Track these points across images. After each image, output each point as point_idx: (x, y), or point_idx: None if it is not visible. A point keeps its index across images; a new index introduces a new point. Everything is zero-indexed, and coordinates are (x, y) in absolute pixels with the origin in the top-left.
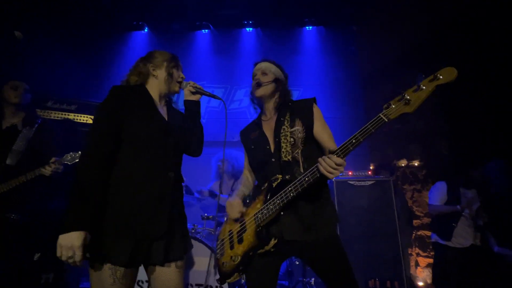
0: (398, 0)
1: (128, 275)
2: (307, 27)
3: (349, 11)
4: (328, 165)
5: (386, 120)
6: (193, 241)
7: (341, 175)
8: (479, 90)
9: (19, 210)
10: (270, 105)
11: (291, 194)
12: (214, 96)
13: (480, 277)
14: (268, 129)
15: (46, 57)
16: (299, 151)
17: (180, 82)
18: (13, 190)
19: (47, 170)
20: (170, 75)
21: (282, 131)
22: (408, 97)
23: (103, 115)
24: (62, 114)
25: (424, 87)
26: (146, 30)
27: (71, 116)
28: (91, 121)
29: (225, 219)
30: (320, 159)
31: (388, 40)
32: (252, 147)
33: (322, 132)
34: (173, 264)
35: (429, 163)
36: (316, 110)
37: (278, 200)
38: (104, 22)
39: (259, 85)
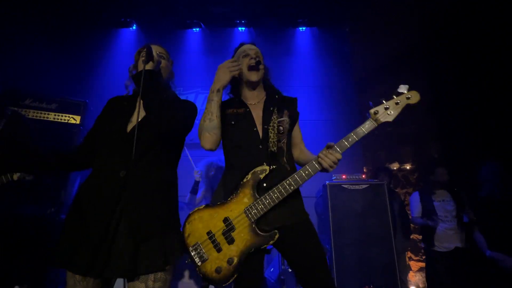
0: (391, 1)
1: (90, 281)
2: (300, 28)
3: (342, 12)
4: (332, 161)
5: (376, 125)
6: None
7: (334, 179)
8: (470, 92)
9: None
10: (255, 92)
11: (291, 187)
12: (147, 53)
13: (469, 279)
14: (255, 113)
15: (27, 51)
16: (285, 141)
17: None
18: None
19: (15, 176)
20: (136, 68)
21: (271, 121)
22: (390, 109)
23: None
24: (41, 114)
25: (399, 102)
26: (134, 28)
27: (51, 115)
28: (73, 121)
29: (188, 218)
30: (322, 154)
31: (382, 41)
32: (233, 122)
33: (298, 131)
34: (143, 282)
35: (420, 166)
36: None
37: (277, 193)
38: (91, 18)
39: (258, 64)
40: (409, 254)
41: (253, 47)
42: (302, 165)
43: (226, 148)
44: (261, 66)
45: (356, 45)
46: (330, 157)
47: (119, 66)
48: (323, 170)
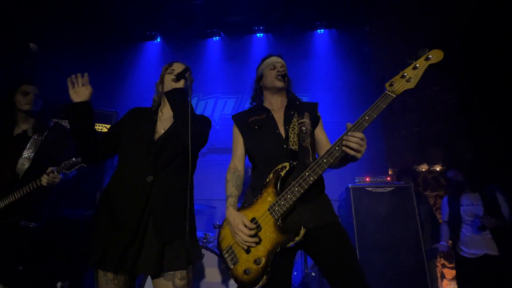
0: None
1: (120, 279)
2: (318, 31)
3: (361, 12)
4: (353, 142)
5: (394, 96)
6: (204, 251)
7: (357, 181)
8: (502, 89)
9: (35, 218)
10: (278, 98)
11: (311, 178)
12: (184, 71)
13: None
14: (276, 116)
15: (61, 67)
16: (309, 141)
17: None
18: (28, 198)
19: (44, 180)
20: (162, 82)
21: (291, 122)
22: (408, 75)
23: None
24: None
25: (418, 66)
26: (158, 40)
27: None
28: (105, 130)
29: (222, 223)
30: (344, 137)
31: (404, 39)
32: (256, 127)
33: (322, 133)
34: (169, 280)
35: (452, 167)
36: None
37: (297, 187)
38: (118, 33)
39: (284, 76)
40: (442, 261)
41: (280, 60)
42: (332, 165)
43: (251, 152)
44: (286, 79)
45: (377, 45)
46: (351, 138)
47: (146, 77)
48: (346, 158)
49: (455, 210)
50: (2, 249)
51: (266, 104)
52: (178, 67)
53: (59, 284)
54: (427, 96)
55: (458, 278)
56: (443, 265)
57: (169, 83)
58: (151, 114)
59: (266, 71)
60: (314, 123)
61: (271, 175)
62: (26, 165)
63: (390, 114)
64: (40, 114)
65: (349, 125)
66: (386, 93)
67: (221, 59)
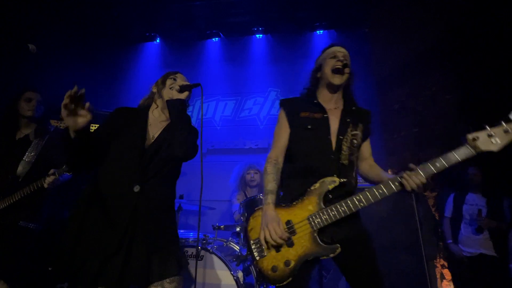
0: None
1: None
2: (317, 32)
3: (360, 13)
4: (416, 183)
5: (474, 153)
6: (203, 253)
7: None
8: (501, 89)
9: (35, 219)
10: (334, 96)
11: (361, 204)
12: (194, 86)
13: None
14: (331, 121)
15: (61, 68)
16: (357, 155)
17: (172, 88)
18: (27, 199)
19: (46, 182)
20: (163, 84)
21: (346, 132)
22: (495, 136)
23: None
24: None
25: (510, 131)
26: (158, 41)
27: None
28: None
29: (254, 213)
30: (406, 175)
31: (404, 39)
32: (309, 127)
33: (368, 145)
34: (158, 286)
35: (451, 168)
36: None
37: (344, 207)
38: (118, 34)
39: (344, 67)
40: (441, 261)
41: (342, 49)
42: (369, 180)
43: (294, 150)
44: (346, 70)
45: (376, 46)
46: (414, 179)
47: (145, 78)
48: (402, 191)
49: (458, 206)
50: (1, 249)
51: (321, 99)
52: (180, 79)
53: (58, 286)
54: (426, 97)
55: (453, 276)
56: (443, 266)
57: (169, 91)
58: (140, 117)
59: (325, 60)
60: (365, 136)
61: (318, 185)
62: (27, 168)
63: (390, 114)
64: (41, 120)
65: (413, 166)
66: (466, 147)
67: (221, 60)
